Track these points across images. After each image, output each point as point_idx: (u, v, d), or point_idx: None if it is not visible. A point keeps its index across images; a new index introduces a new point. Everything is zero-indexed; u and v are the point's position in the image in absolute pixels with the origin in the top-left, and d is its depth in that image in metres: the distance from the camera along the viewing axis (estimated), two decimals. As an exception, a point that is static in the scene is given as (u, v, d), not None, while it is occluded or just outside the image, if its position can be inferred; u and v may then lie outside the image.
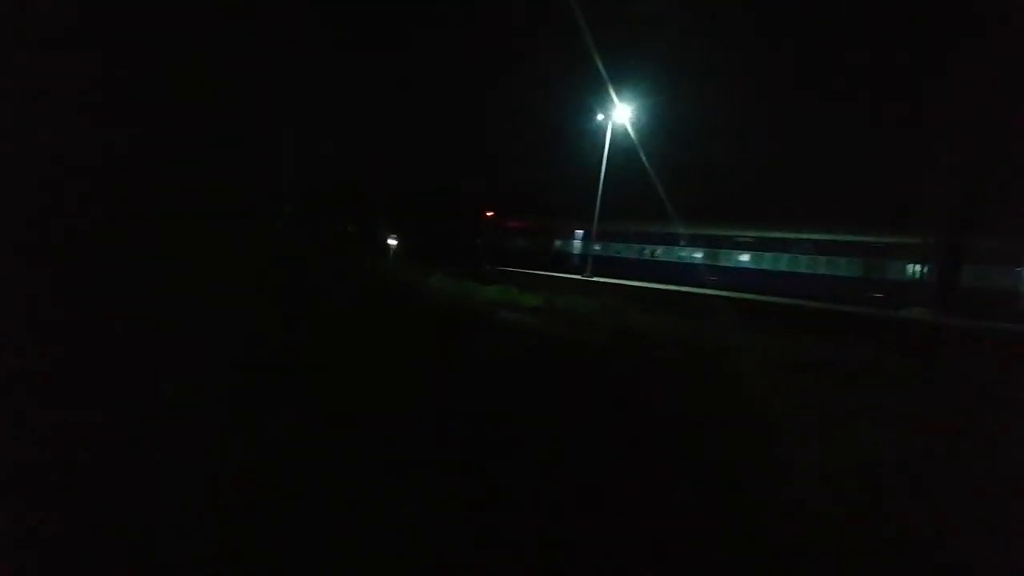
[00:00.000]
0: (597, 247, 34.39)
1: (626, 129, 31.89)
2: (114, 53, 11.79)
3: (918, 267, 25.81)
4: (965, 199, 25.73)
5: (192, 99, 15.10)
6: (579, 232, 36.56)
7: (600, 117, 32.38)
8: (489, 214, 45.11)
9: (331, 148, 38.48)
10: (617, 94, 31.50)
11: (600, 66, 30.06)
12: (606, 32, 34.92)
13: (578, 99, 36.59)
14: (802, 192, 31.99)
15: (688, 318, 16.34)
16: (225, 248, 14.17)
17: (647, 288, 26.29)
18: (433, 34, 54.07)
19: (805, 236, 28.60)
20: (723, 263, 31.04)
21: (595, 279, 30.45)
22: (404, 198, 49.52)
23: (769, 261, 29.43)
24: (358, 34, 43.82)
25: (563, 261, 36.98)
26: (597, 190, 32.23)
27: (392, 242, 37.83)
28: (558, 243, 40.65)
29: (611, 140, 32.06)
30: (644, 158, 31.30)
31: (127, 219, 10.69)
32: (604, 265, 33.64)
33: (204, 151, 15.90)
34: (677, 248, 32.96)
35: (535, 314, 18.11)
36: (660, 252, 33.62)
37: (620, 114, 31.81)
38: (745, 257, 30.34)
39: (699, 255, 32.23)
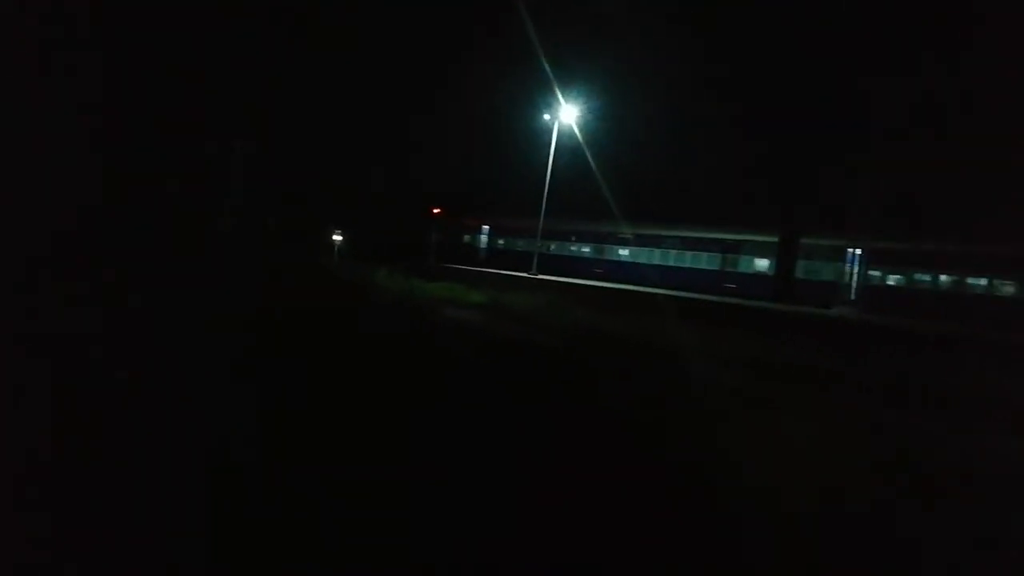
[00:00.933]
0: (546, 245, 34.88)
1: (572, 129, 32.33)
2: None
3: (765, 261, 28.78)
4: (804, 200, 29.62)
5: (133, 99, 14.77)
6: (526, 230, 36.85)
7: (547, 117, 32.72)
8: (436, 211, 44.97)
9: (276, 145, 37.67)
10: (564, 95, 31.87)
11: (547, 67, 30.35)
12: (555, 33, 35.20)
13: (526, 99, 36.80)
14: (715, 191, 33.72)
15: (629, 314, 16.72)
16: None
17: (591, 286, 26.74)
18: (381, 29, 53.47)
19: (674, 233, 31.38)
20: (606, 257, 34.13)
21: (541, 276, 30.75)
22: (351, 195, 48.86)
23: (644, 255, 32.22)
24: (302, 28, 42.96)
25: (510, 258, 37.20)
26: (544, 188, 32.57)
27: (337, 238, 37.42)
28: (505, 240, 40.86)
29: (558, 140, 32.43)
30: (589, 157, 31.77)
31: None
32: (549, 263, 34.24)
33: (143, 151, 15.57)
34: (572, 244, 35.16)
35: (480, 311, 18.22)
36: (554, 247, 35.28)
37: (566, 114, 32.20)
38: (625, 251, 33.19)
39: (588, 249, 34.71)
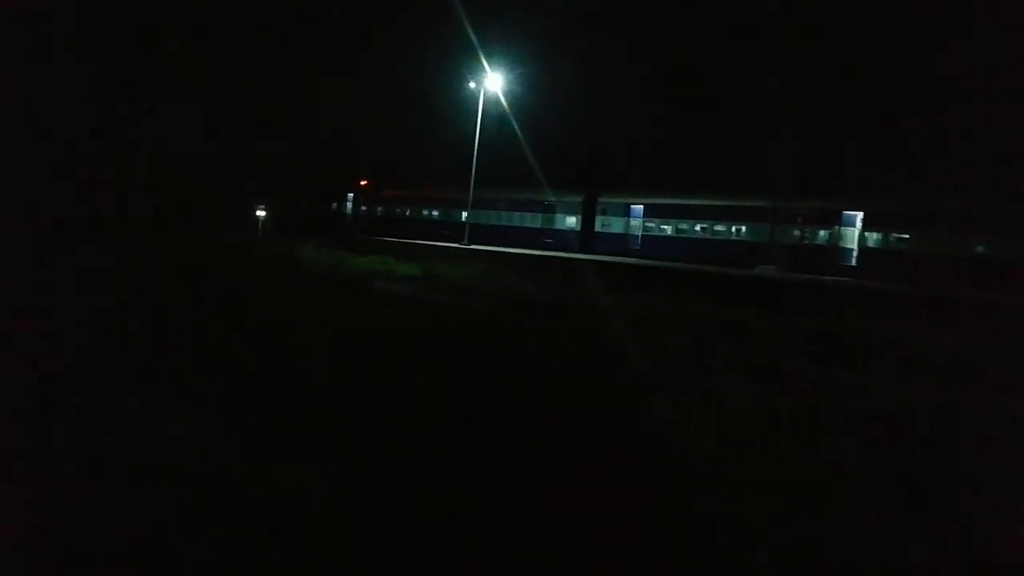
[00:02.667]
0: (474, 215, 34.86)
1: (499, 98, 32.18)
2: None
3: (573, 218, 33.21)
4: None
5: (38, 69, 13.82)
6: (457, 200, 36.66)
7: (472, 85, 32.42)
8: (363, 183, 44.10)
9: (195, 118, 35.88)
10: (489, 63, 31.62)
11: (472, 34, 30.01)
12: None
13: (451, 67, 36.29)
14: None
15: (557, 280, 17.02)
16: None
17: (521, 254, 26.97)
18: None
19: (511, 196, 35.07)
20: (456, 220, 36.12)
21: (472, 247, 30.76)
22: (273, 168, 47.26)
23: (486, 217, 35.39)
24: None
25: (439, 229, 36.99)
26: (472, 158, 32.43)
27: (261, 214, 36.23)
28: (434, 211, 40.57)
29: (485, 109, 32.24)
30: (516, 126, 31.77)
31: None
32: (480, 233, 34.26)
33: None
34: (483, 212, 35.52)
35: (412, 283, 18.13)
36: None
37: (493, 83, 31.98)
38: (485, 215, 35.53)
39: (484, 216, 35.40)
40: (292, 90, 48.86)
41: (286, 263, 19.65)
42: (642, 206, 30.98)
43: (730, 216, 28.99)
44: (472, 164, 32.49)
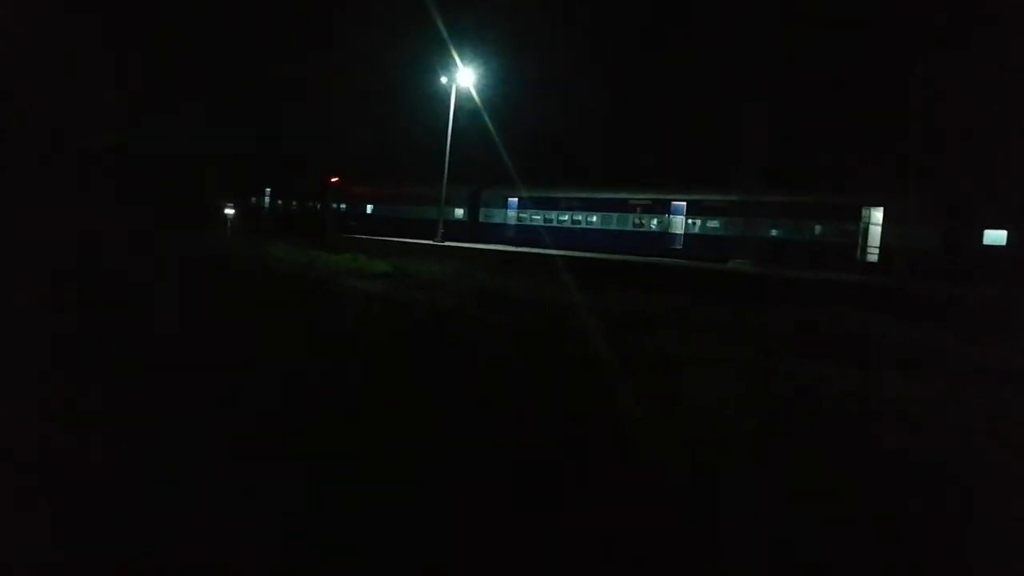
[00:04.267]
0: (449, 212, 34.74)
1: (471, 92, 31.95)
2: None
3: (461, 210, 36.72)
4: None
5: None
6: (429, 197, 36.47)
7: (444, 80, 32.16)
8: (334, 180, 43.60)
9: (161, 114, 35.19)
10: (461, 58, 31.37)
11: (442, 28, 29.75)
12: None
13: (421, 62, 36.08)
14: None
15: (531, 278, 16.94)
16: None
17: (492, 251, 26.89)
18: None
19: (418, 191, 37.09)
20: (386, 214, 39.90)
21: (446, 244, 30.56)
22: (242, 166, 46.57)
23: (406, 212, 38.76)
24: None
25: (413, 226, 36.77)
26: (445, 153, 32.18)
27: (229, 212, 35.59)
28: (407, 208, 40.29)
29: (457, 104, 31.99)
30: (488, 121, 31.63)
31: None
32: (488, 232, 34.50)
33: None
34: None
35: (384, 281, 17.93)
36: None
37: (464, 78, 31.74)
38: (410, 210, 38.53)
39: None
40: (259, 86, 48.18)
41: (256, 261, 19.30)
42: (516, 199, 34.37)
43: (587, 207, 32.90)
44: (445, 159, 32.25)
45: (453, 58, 30.95)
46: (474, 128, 32.79)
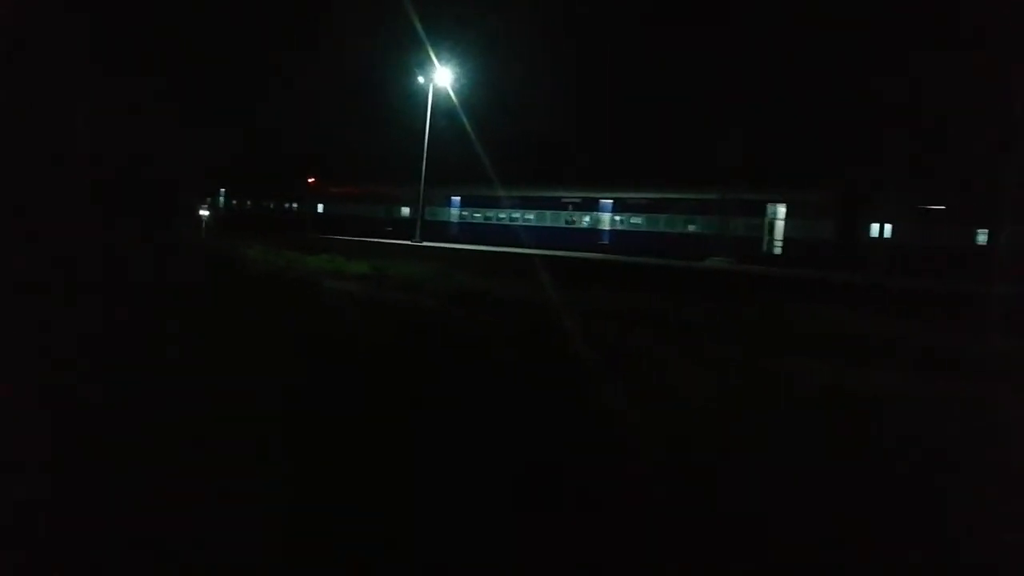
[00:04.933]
0: (428, 212, 34.64)
1: (449, 93, 31.89)
2: None
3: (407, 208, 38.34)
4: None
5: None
6: (408, 197, 36.40)
7: (421, 80, 32.05)
8: (311, 180, 43.21)
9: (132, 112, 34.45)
10: (438, 58, 31.29)
11: (419, 28, 29.65)
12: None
13: (399, 62, 35.94)
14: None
15: (512, 278, 16.94)
16: None
17: (473, 251, 26.84)
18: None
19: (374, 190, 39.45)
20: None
21: (425, 244, 30.46)
22: (218, 166, 45.94)
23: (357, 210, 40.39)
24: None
25: (392, 227, 36.64)
26: (423, 154, 32.08)
27: (204, 212, 35.11)
28: (386, 209, 40.11)
29: (435, 104, 31.90)
30: (466, 121, 31.61)
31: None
32: (433, 229, 34.16)
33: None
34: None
35: (363, 282, 17.80)
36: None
37: (441, 78, 31.67)
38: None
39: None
40: (237, 86, 47.58)
41: (230, 263, 19.02)
42: (459, 197, 35.76)
43: (524, 205, 34.20)
44: (423, 160, 32.13)
45: (431, 57, 30.86)
46: (450, 128, 32.74)
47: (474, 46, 38.15)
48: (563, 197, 33.06)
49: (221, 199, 44.44)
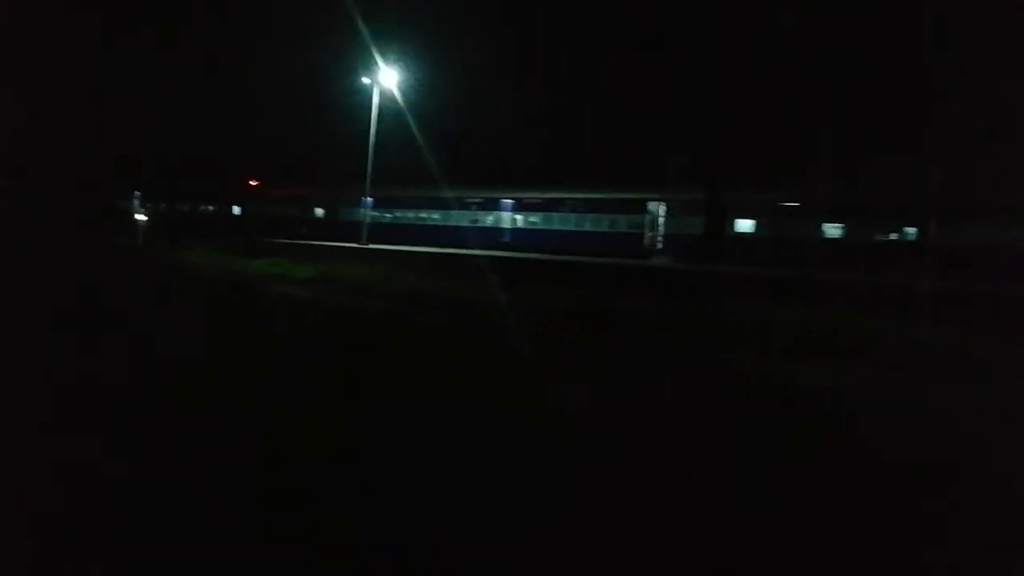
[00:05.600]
0: (372, 214, 34.41)
1: (394, 94, 31.69)
2: None
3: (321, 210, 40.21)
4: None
5: None
6: (353, 199, 36.00)
7: (367, 81, 31.76)
8: (254, 183, 42.28)
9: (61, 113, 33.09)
10: (383, 58, 31.06)
11: (363, 28, 29.40)
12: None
13: (343, 63, 35.53)
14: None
15: (458, 279, 17.00)
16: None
17: (421, 253, 26.76)
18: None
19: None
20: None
21: (371, 246, 30.20)
22: (156, 169, 44.53)
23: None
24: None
25: (338, 229, 36.17)
26: (368, 156, 31.81)
27: (141, 217, 33.98)
28: (331, 211, 39.59)
29: (381, 105, 31.67)
30: (411, 122, 31.46)
31: None
32: (381, 231, 33.90)
33: None
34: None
35: (309, 285, 17.58)
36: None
37: (387, 79, 31.44)
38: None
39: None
40: (176, 86, 46.24)
41: (168, 267, 18.54)
42: (371, 198, 35.95)
43: (432, 205, 35.44)
44: (368, 161, 31.87)
45: (375, 58, 30.62)
46: (396, 128, 32.54)
47: (420, 46, 38.02)
48: (466, 197, 34.10)
49: (308, 208, 42.54)
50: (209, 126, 45.69)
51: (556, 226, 32.15)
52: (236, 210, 44.09)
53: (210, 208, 45.07)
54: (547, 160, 37.32)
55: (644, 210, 30.00)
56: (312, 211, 40.32)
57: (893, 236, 25.45)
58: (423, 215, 36.09)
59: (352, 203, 36.29)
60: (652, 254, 29.15)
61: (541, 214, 32.78)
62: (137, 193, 42.22)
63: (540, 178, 33.42)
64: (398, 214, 36.88)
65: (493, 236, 32.79)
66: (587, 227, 31.31)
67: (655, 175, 30.64)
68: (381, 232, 34.09)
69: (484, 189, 34.02)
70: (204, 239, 29.72)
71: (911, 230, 24.88)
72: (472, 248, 28.19)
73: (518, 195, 33.25)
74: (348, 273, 18.81)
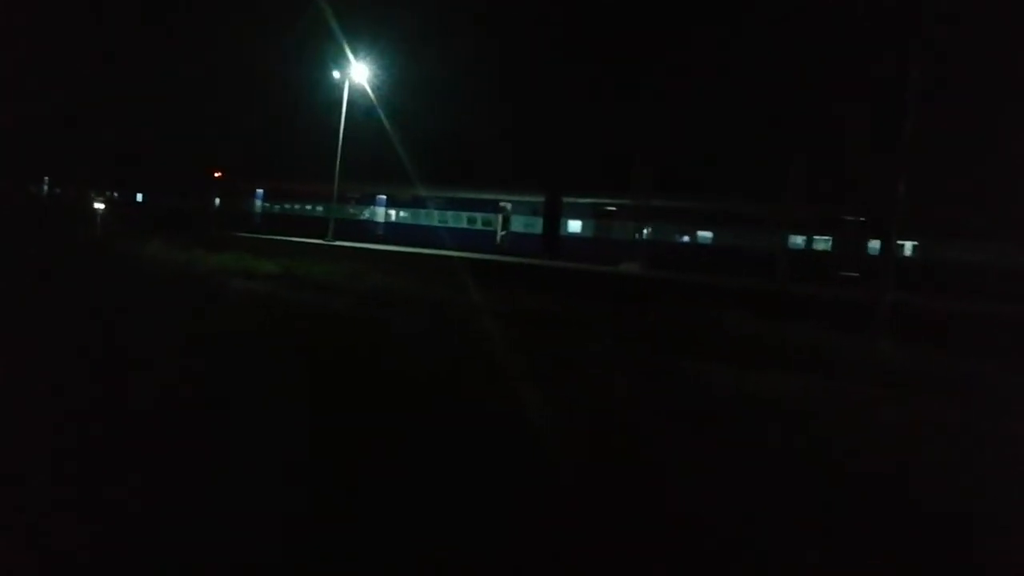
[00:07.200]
0: (344, 210, 34.06)
1: (365, 88, 31.33)
2: None
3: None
4: None
5: None
6: (319, 194, 35.52)
7: (337, 75, 31.34)
8: (218, 175, 41.41)
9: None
10: (354, 52, 30.69)
11: (332, 20, 29.00)
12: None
13: (314, 57, 34.98)
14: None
15: (425, 278, 16.83)
16: None
17: (389, 251, 26.54)
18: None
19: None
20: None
21: (337, 243, 29.81)
22: (116, 158, 43.36)
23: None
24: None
25: (303, 225, 35.66)
26: (337, 150, 31.39)
27: (100, 206, 33.00)
28: (297, 206, 39.00)
29: (351, 100, 31.28)
30: (383, 118, 31.17)
31: None
32: (346, 229, 33.54)
33: None
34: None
35: (272, 282, 17.19)
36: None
37: (358, 73, 31.07)
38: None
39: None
40: (138, 71, 45.16)
41: (120, 257, 17.99)
42: (261, 190, 39.12)
43: (316, 197, 37.12)
44: (337, 156, 31.46)
45: (346, 52, 30.23)
46: (365, 124, 32.17)
47: (391, 41, 37.60)
48: (347, 193, 35.71)
49: (273, 202, 42.16)
50: (176, 116, 44.65)
51: (421, 221, 34.79)
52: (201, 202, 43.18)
53: (174, 199, 44.00)
54: (495, 161, 37.98)
55: (496, 210, 33.01)
56: (275, 205, 39.67)
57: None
58: (308, 206, 38.34)
59: (316, 199, 35.95)
60: (500, 250, 31.75)
61: (410, 210, 35.29)
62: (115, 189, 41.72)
63: (440, 177, 34.58)
64: (280, 205, 39.48)
65: (369, 229, 35.30)
66: (449, 223, 33.98)
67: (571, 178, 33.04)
68: (265, 222, 37.28)
69: (366, 186, 36.08)
70: (168, 231, 28.96)
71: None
72: (350, 241, 30.32)
73: (391, 192, 35.56)
74: (314, 270, 18.52)
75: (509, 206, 32.62)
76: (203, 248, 22.95)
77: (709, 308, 13.57)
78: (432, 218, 34.51)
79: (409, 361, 7.78)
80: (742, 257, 27.76)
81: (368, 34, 37.61)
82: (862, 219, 26.67)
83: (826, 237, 27.58)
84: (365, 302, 13.45)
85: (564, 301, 14.27)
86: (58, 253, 16.72)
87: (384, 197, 35.92)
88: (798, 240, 28.00)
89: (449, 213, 34.05)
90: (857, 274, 25.57)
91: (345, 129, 31.17)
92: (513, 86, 43.43)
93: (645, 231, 30.35)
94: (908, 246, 25.89)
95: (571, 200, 31.47)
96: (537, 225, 32.00)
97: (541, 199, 31.95)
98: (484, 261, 25.40)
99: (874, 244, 25.82)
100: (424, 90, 38.73)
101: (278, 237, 30.44)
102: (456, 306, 13.35)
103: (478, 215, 33.45)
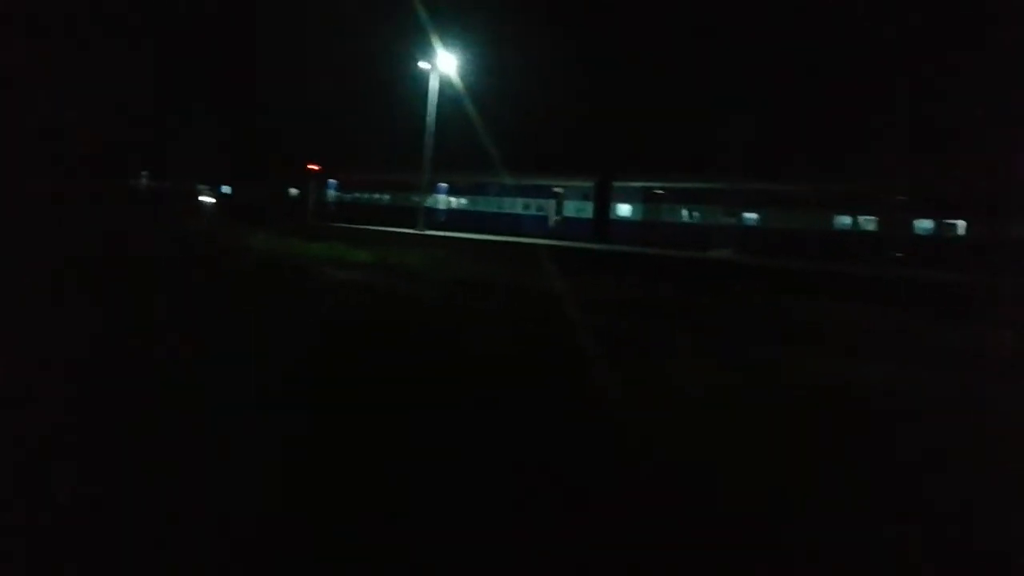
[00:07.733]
0: (433, 200, 34.62)
1: (453, 79, 31.55)
2: None
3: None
4: None
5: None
6: (412, 185, 36.19)
7: (426, 66, 31.69)
8: (314, 168, 42.95)
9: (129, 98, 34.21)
10: (442, 43, 30.93)
11: (423, 12, 29.32)
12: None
13: (402, 48, 35.58)
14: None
15: (514, 266, 16.84)
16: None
17: (466, 239, 26.75)
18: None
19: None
20: None
21: (429, 233, 30.27)
22: (221, 152, 45.70)
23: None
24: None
25: (395, 215, 36.45)
26: (421, 142, 31.83)
27: (207, 199, 34.93)
28: (390, 197, 39.91)
29: (441, 90, 31.59)
30: (471, 108, 31.33)
31: None
32: (409, 216, 34.18)
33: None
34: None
35: (366, 270, 17.64)
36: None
37: (445, 63, 31.31)
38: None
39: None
40: (240, 71, 47.27)
41: (231, 251, 18.91)
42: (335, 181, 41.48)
43: (385, 188, 39.71)
44: (424, 146, 31.88)
45: (432, 44, 30.51)
46: (453, 115, 32.45)
47: (474, 33, 37.80)
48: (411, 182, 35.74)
49: (366, 193, 44.46)
50: (272, 112, 46.62)
51: (480, 208, 35.56)
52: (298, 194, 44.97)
53: (272, 192, 45.99)
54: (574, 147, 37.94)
55: (551, 196, 33.50)
56: (367, 197, 40.69)
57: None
58: (376, 196, 40.26)
59: (407, 190, 36.52)
60: (553, 234, 31.75)
61: (468, 197, 36.19)
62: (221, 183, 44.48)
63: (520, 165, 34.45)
64: (352, 196, 41.49)
65: (433, 216, 35.39)
66: (506, 209, 34.72)
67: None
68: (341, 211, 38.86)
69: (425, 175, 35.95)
70: (269, 222, 30.32)
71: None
72: (411, 228, 30.96)
73: (452, 180, 36.22)
74: (407, 259, 18.89)
75: (562, 191, 33.08)
76: (300, 238, 23.91)
77: (836, 299, 13.31)
78: (491, 205, 35.41)
79: (524, 350, 7.76)
80: (831, 241, 26.73)
81: (448, 26, 37.97)
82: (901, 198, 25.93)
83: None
84: (471, 290, 13.56)
85: (670, 289, 14.01)
86: (182, 245, 17.83)
87: (445, 185, 36.63)
88: (844, 220, 27.37)
89: (505, 199, 34.90)
90: (902, 254, 24.90)
91: (418, 120, 31.85)
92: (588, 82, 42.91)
93: (696, 214, 30.45)
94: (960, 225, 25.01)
95: (638, 185, 31.54)
96: (585, 209, 32.51)
97: (591, 184, 32.25)
98: (565, 248, 25.25)
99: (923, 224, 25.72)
100: (493, 82, 38.69)
101: (365, 227, 31.27)
102: (557, 296, 13.23)
103: (532, 201, 34.14)
